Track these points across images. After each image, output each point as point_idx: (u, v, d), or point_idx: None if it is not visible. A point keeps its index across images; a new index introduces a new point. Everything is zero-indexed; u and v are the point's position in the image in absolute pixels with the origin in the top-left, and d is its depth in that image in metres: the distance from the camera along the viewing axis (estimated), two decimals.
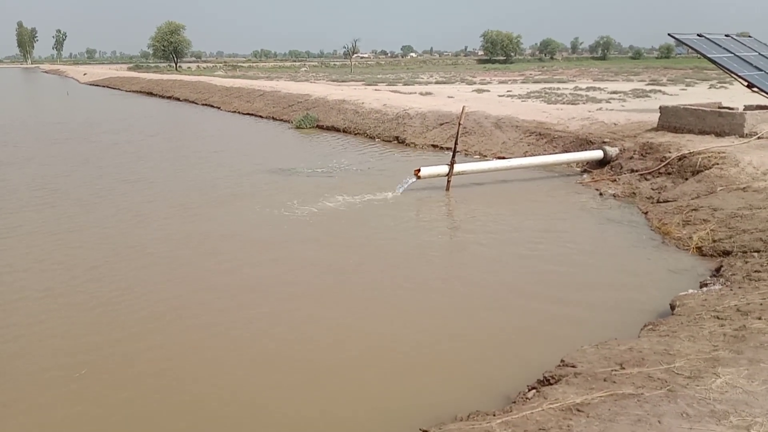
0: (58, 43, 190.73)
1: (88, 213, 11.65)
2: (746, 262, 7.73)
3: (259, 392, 5.61)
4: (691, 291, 7.22)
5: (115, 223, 10.89)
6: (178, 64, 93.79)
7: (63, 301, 7.54)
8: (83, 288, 7.95)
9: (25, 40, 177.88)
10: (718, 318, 5.93)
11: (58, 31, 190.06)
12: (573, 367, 5.11)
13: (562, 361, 5.27)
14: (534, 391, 5.01)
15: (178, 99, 42.34)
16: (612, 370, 4.87)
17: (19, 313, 7.24)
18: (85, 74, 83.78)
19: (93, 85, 66.60)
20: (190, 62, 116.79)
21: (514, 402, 4.96)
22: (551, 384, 4.98)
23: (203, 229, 10.60)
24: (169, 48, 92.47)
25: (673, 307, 6.68)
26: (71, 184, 14.35)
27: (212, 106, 36.13)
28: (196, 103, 38.66)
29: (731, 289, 6.88)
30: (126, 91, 54.12)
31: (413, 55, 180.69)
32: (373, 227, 10.63)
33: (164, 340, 6.54)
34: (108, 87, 60.87)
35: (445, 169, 13.13)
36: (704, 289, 7.25)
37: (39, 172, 15.76)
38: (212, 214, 11.54)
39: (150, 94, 48.65)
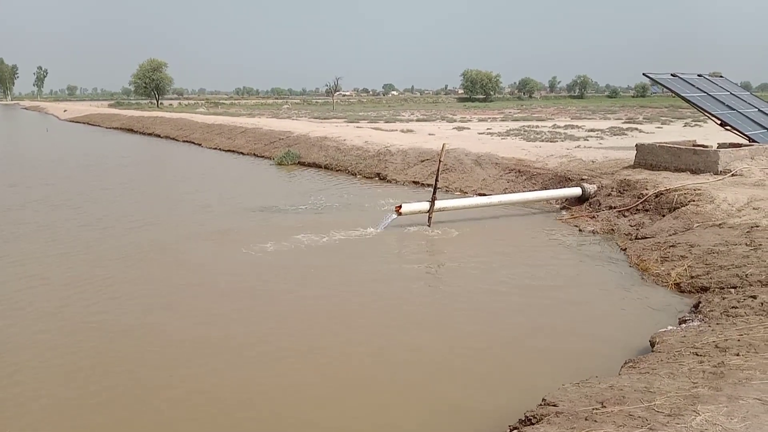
0: (39, 80, 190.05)
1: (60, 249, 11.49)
2: (723, 298, 7.79)
3: None
4: (670, 327, 7.24)
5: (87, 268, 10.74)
6: (159, 101, 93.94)
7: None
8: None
9: (6, 76, 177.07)
10: (697, 354, 5.94)
11: (39, 67, 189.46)
12: (554, 406, 5.07)
13: (544, 399, 5.22)
14: (516, 431, 4.95)
15: (158, 136, 42.27)
16: (593, 409, 4.83)
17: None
18: (65, 111, 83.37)
19: (73, 121, 66.27)
20: (171, 99, 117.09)
21: None
22: (533, 424, 4.92)
23: (178, 269, 10.49)
24: (151, 85, 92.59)
25: (653, 344, 6.69)
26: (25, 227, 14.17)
27: (193, 142, 36.11)
28: (177, 140, 38.62)
29: (709, 326, 6.91)
30: (106, 127, 53.91)
31: (394, 93, 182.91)
32: (353, 265, 10.58)
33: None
34: (88, 124, 60.61)
35: (426, 205, 13.18)
36: (683, 325, 7.28)
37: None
38: (188, 253, 11.43)
39: (130, 130, 48.52)
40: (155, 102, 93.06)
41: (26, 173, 22.99)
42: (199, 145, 34.85)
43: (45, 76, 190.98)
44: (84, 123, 62.23)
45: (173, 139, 39.49)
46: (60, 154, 30.34)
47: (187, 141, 37.24)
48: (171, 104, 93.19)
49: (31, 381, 6.40)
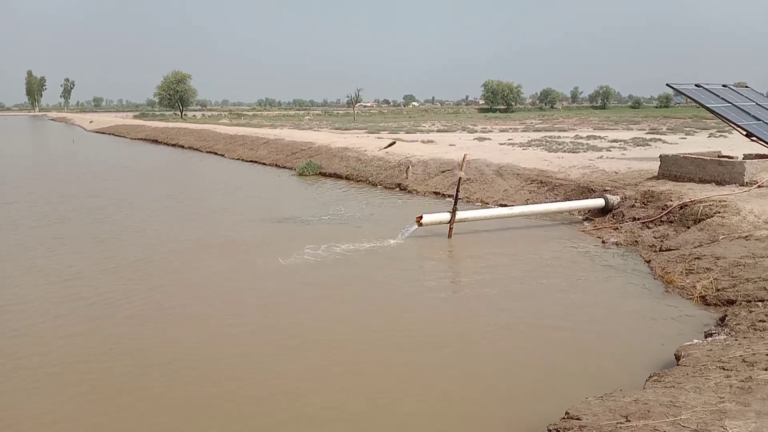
0: (66, 92, 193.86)
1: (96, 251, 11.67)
2: (750, 312, 7.66)
3: None
4: (695, 341, 7.14)
5: (119, 269, 10.89)
6: (183, 113, 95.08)
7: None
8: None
9: (34, 88, 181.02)
10: (723, 369, 5.84)
11: (67, 79, 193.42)
12: (578, 419, 5.02)
13: (567, 413, 5.17)
14: None
15: (182, 146, 42.81)
16: (617, 423, 4.77)
17: None
18: (91, 122, 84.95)
19: (99, 132, 67.44)
20: (195, 110, 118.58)
21: None
22: None
23: (207, 275, 10.59)
24: (175, 96, 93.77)
25: (678, 358, 6.59)
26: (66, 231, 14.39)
27: (216, 153, 36.51)
28: (200, 151, 39.07)
29: (736, 339, 6.80)
30: (131, 138, 54.77)
31: (415, 104, 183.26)
32: (374, 276, 10.60)
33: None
34: (114, 134, 61.63)
35: (447, 216, 13.16)
36: (709, 339, 7.17)
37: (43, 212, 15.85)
38: (215, 260, 11.54)
39: (155, 141, 49.21)
40: (179, 113, 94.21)
41: (66, 183, 23.41)
42: (222, 155, 35.22)
43: (72, 88, 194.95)
44: (110, 134, 63.30)
45: (197, 149, 39.96)
46: (91, 166, 30.85)
47: (210, 152, 37.65)
48: (195, 115, 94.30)
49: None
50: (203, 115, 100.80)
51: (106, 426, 5.83)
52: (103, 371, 6.89)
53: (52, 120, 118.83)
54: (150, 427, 5.82)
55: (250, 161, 31.40)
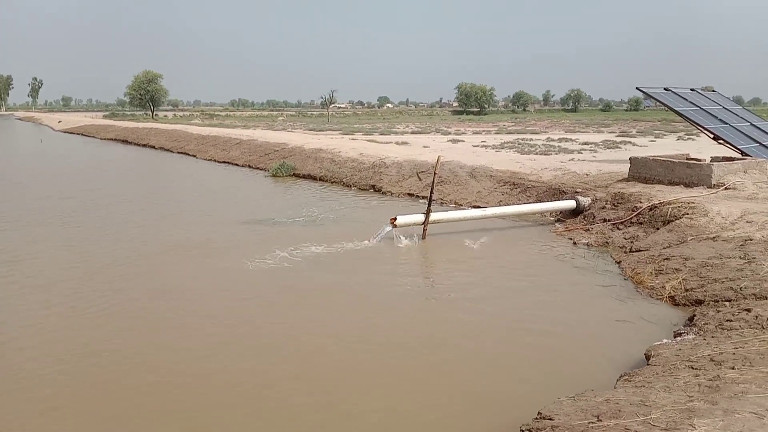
0: (34, 91, 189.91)
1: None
2: (718, 312, 7.80)
3: None
4: (665, 341, 7.24)
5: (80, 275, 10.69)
6: (154, 113, 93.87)
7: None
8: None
9: (1, 87, 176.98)
10: (692, 368, 5.94)
11: (35, 78, 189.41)
12: (550, 419, 5.05)
13: (539, 413, 5.20)
14: None
15: (153, 147, 42.24)
16: (589, 423, 4.81)
17: None
18: (59, 122, 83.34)
19: (68, 132, 66.20)
20: (166, 110, 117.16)
21: None
22: None
23: (174, 281, 10.45)
24: (146, 96, 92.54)
25: (648, 357, 6.68)
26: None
27: (188, 154, 36.08)
28: (171, 151, 38.58)
29: (704, 339, 6.92)
30: (101, 138, 53.86)
31: (389, 105, 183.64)
32: (346, 278, 10.56)
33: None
34: (83, 134, 60.53)
35: (421, 217, 13.18)
36: (678, 338, 7.28)
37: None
38: (183, 265, 11.39)
39: (125, 141, 48.48)
40: (150, 113, 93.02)
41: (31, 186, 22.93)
42: (194, 156, 34.84)
43: (40, 87, 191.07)
44: (79, 134, 62.16)
45: (168, 150, 39.46)
46: (63, 167, 30.27)
47: (181, 152, 37.20)
48: (166, 116, 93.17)
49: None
50: (175, 115, 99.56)
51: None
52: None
53: (19, 119, 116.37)
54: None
55: (223, 162, 31.10)
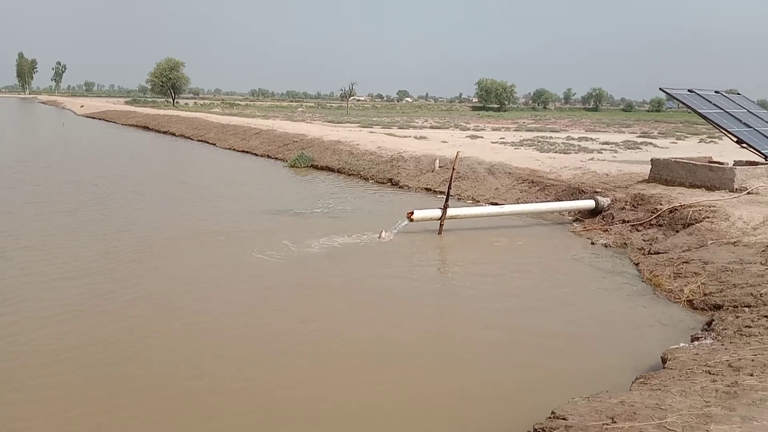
0: (58, 75, 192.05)
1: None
2: (737, 317, 7.71)
3: None
4: (682, 345, 7.18)
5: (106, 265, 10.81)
6: (175, 100, 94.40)
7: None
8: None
9: (25, 71, 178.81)
10: (709, 373, 5.88)
11: (58, 63, 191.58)
12: (564, 419, 5.03)
13: (553, 413, 5.18)
14: None
15: (173, 134, 42.47)
16: (603, 424, 4.79)
17: None
18: (82, 106, 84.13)
19: (89, 117, 66.82)
20: (187, 98, 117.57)
21: None
22: None
23: (193, 271, 10.53)
24: (168, 84, 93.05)
25: (664, 361, 6.63)
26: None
27: (208, 142, 36.24)
28: (191, 139, 38.78)
29: (723, 344, 6.85)
30: (122, 124, 54.28)
31: (409, 99, 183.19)
32: (362, 271, 10.57)
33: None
34: (104, 120, 61.06)
35: (438, 212, 13.16)
36: (696, 343, 7.21)
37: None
38: (205, 255, 11.47)
39: (146, 128, 48.79)
40: (171, 101, 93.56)
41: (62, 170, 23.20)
42: (214, 144, 34.98)
43: (63, 72, 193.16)
44: (100, 119, 62.70)
45: (188, 137, 39.66)
46: (82, 152, 30.57)
47: (201, 140, 37.38)
48: (187, 103, 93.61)
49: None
50: (195, 103, 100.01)
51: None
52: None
53: (42, 103, 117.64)
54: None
55: (242, 151, 31.22)
